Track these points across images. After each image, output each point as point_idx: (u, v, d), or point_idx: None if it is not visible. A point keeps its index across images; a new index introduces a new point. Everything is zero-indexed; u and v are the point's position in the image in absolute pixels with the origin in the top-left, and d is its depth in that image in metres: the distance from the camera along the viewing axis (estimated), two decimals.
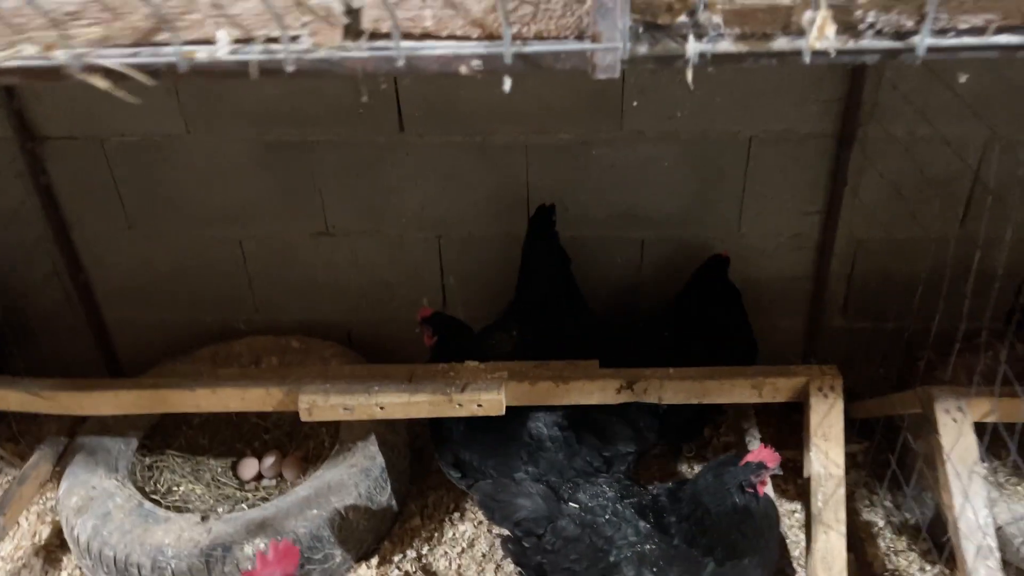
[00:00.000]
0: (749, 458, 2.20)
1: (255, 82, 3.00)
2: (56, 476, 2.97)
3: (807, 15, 1.10)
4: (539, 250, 2.96)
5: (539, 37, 1.11)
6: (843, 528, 2.37)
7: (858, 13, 1.12)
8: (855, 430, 3.02)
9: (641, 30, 1.16)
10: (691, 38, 1.15)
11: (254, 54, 1.01)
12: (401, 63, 1.06)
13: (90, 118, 2.95)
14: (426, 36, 1.08)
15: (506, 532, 2.32)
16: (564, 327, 2.98)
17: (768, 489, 2.37)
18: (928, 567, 2.75)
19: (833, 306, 3.25)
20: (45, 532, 2.91)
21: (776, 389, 2.48)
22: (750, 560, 2.26)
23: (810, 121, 2.85)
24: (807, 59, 1.13)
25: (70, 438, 3.02)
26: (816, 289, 3.20)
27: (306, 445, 3.14)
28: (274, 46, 1.01)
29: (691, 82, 1.14)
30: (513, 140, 2.95)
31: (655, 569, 2.21)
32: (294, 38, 1.01)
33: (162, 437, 3.10)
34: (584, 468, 2.62)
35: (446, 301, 3.35)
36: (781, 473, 2.28)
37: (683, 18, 1.14)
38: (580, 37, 1.13)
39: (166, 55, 1.00)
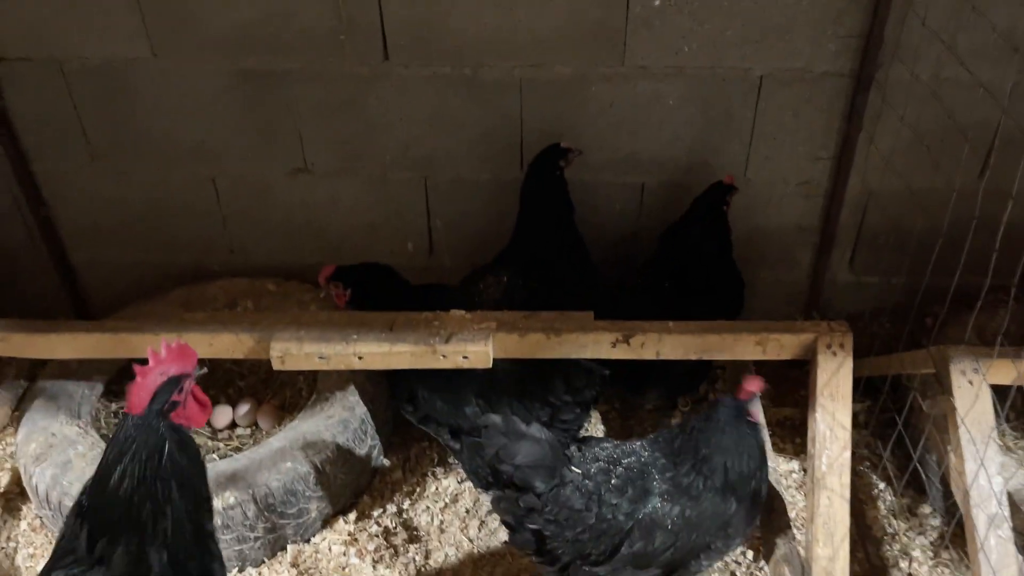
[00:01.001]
0: (748, 389, 2.17)
1: (226, 2, 2.74)
2: (15, 421, 2.83)
3: None
4: (545, 194, 2.77)
5: None
6: (847, 493, 2.25)
7: None
8: (859, 388, 2.89)
9: None
10: None
11: None
12: None
13: (47, 37, 2.73)
14: None
15: (494, 493, 2.15)
16: (566, 280, 2.81)
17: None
18: (930, 531, 2.64)
19: (840, 259, 3.10)
20: (4, 479, 2.76)
21: (782, 346, 2.32)
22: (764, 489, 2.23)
23: (827, 59, 2.66)
24: None
25: (30, 381, 2.86)
26: (823, 241, 3.05)
27: (283, 393, 2.99)
28: None
29: None
30: (506, 74, 2.75)
31: (670, 526, 2.09)
32: None
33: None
34: (528, 409, 2.48)
35: (432, 246, 3.17)
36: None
37: None
38: None
39: None
